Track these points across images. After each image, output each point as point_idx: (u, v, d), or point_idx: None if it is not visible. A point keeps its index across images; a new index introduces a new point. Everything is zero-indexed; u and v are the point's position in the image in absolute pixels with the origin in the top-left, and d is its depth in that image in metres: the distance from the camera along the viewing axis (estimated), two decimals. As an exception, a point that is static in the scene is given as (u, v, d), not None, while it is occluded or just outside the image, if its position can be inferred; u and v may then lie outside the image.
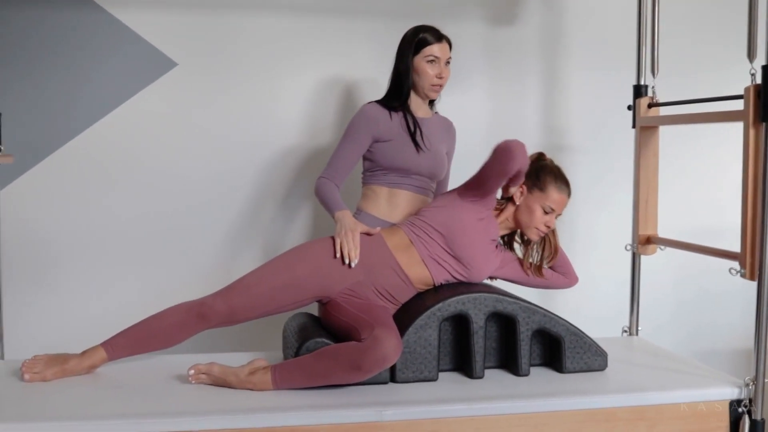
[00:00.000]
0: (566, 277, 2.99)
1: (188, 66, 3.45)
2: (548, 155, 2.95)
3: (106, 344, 2.61)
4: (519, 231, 2.91)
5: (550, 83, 3.77)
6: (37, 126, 3.33)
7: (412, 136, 2.95)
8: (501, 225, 2.86)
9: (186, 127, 3.48)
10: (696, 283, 3.92)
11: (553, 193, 2.81)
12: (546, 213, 2.81)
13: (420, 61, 2.96)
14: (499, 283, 2.97)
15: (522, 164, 2.69)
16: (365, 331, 2.48)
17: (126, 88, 3.41)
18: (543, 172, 2.84)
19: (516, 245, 2.98)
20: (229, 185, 3.53)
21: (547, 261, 2.93)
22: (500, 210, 2.86)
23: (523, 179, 2.80)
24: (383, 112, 2.98)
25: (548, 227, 2.83)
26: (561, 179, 2.84)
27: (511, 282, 2.95)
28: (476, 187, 2.76)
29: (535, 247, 2.92)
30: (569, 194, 2.86)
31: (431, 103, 3.10)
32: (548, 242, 2.91)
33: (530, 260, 2.92)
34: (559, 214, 2.85)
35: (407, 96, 3.01)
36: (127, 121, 3.41)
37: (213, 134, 3.50)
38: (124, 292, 3.45)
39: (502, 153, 2.66)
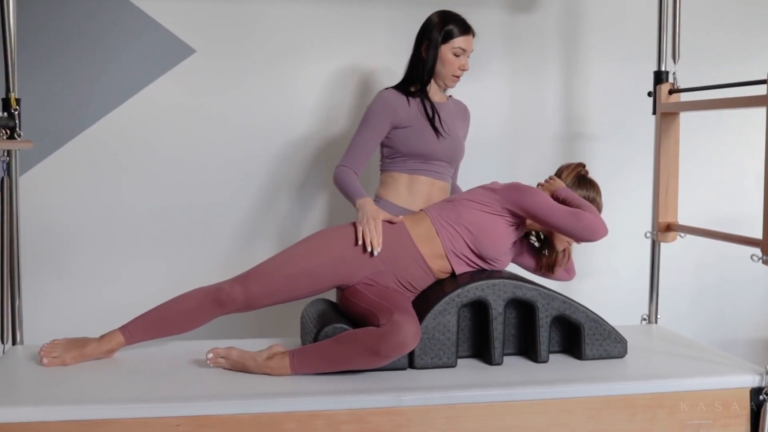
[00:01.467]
0: (568, 273, 3.02)
1: (207, 53, 3.45)
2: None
3: (123, 329, 2.62)
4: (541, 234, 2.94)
5: (570, 71, 3.74)
6: (56, 112, 3.34)
7: (431, 121, 2.93)
8: (529, 227, 2.86)
9: (203, 115, 3.48)
10: (716, 271, 3.89)
11: None
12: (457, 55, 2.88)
13: (447, 51, 2.94)
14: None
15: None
16: (384, 317, 2.46)
17: (144, 74, 3.41)
18: (592, 193, 2.86)
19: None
20: (246, 173, 3.53)
21: (560, 266, 2.95)
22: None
23: None
24: (401, 98, 2.96)
25: (577, 242, 2.84)
26: (601, 198, 2.88)
27: (518, 266, 2.98)
28: (532, 218, 2.72)
29: (551, 252, 2.93)
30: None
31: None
32: (567, 252, 2.94)
33: (546, 259, 2.94)
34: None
35: (428, 82, 2.99)
36: (145, 108, 3.41)
37: (230, 122, 3.50)
38: (142, 278, 3.46)
39: (588, 229, 2.66)
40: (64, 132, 3.36)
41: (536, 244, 2.97)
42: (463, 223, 2.71)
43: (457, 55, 2.95)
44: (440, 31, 2.94)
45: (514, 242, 2.84)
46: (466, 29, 2.96)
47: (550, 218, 2.68)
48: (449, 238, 2.71)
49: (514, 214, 2.73)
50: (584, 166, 2.93)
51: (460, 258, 2.72)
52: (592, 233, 2.66)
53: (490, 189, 2.78)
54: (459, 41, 2.94)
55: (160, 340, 2.71)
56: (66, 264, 3.41)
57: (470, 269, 2.75)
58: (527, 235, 2.95)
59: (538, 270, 2.97)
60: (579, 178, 2.88)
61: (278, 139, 3.55)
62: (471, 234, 2.71)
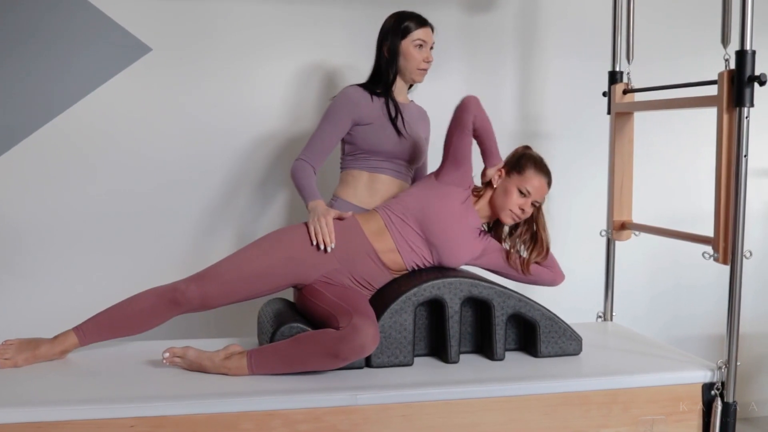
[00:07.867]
0: (552, 272, 2.90)
1: (163, 51, 3.42)
2: (524, 142, 2.95)
3: (77, 329, 2.59)
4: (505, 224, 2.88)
5: (526, 70, 3.77)
6: (11, 110, 3.29)
7: (393, 121, 2.94)
8: (479, 212, 2.84)
9: (161, 113, 3.45)
10: (672, 273, 3.94)
11: (531, 176, 2.77)
12: (522, 195, 2.77)
13: (408, 45, 2.96)
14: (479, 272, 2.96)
15: (475, 113, 2.74)
16: (343, 319, 2.46)
17: (100, 73, 3.37)
18: (524, 158, 2.82)
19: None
20: (205, 171, 3.51)
21: (536, 257, 2.86)
22: (478, 196, 2.85)
23: (490, 141, 2.83)
24: (365, 95, 2.96)
25: (522, 210, 2.78)
26: (541, 165, 2.81)
27: (493, 272, 2.91)
28: (446, 157, 2.79)
29: (523, 243, 2.87)
30: (549, 182, 2.81)
31: (408, 88, 3.10)
32: (540, 240, 2.85)
33: (518, 253, 2.86)
34: (539, 202, 2.81)
35: (393, 81, 3.00)
36: (101, 106, 3.38)
37: (189, 121, 3.47)
38: (98, 276, 3.42)
39: (456, 109, 2.77)
40: (20, 130, 3.32)
41: (506, 239, 2.92)
42: (409, 210, 2.74)
43: (419, 47, 2.96)
44: (397, 29, 2.95)
45: (476, 230, 2.82)
46: (422, 22, 2.98)
47: (446, 137, 2.80)
48: (398, 229, 2.72)
49: (450, 181, 2.78)
50: (529, 147, 2.93)
51: (410, 247, 2.72)
52: (460, 105, 2.77)
53: (427, 175, 2.88)
54: (417, 33, 2.96)
55: (114, 340, 2.68)
56: (19, 262, 3.37)
57: (420, 259, 2.75)
58: (497, 236, 2.91)
59: (517, 269, 2.86)
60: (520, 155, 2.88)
61: (238, 137, 3.53)
62: (417, 220, 2.73)
